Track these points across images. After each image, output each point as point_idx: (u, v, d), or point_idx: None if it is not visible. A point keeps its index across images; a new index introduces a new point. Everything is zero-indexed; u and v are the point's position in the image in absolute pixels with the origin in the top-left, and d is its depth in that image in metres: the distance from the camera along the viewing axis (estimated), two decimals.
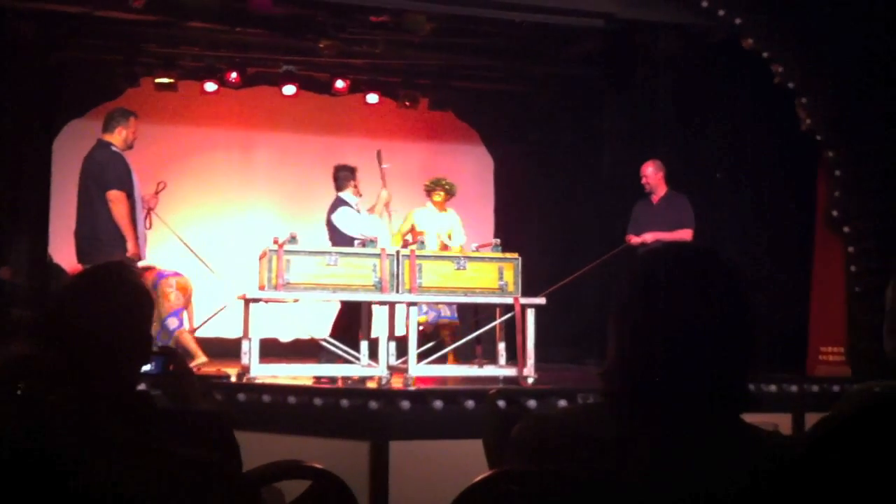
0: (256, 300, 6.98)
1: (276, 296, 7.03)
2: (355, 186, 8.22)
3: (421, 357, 7.17)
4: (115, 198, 7.01)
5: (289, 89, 10.95)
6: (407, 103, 11.39)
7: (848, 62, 8.05)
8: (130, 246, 7.01)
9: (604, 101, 10.56)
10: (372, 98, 11.42)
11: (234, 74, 10.65)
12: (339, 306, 8.00)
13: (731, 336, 1.71)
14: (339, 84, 11.09)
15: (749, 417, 1.72)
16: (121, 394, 2.14)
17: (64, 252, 8.74)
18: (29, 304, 9.13)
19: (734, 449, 1.67)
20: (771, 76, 8.22)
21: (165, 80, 10.58)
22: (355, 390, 6.35)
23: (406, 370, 7.01)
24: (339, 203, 8.14)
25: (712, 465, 1.64)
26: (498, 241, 7.79)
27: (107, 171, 7.05)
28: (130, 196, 7.12)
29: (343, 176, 8.22)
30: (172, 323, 8.12)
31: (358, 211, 8.15)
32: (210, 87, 10.81)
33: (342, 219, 8.01)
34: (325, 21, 9.22)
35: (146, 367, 2.36)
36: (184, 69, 10.71)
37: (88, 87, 10.65)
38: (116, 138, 7.21)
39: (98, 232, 7.03)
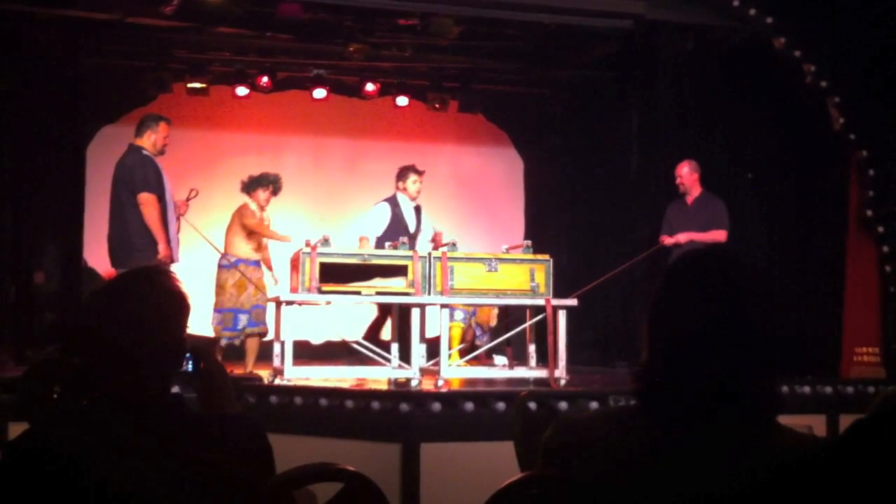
0: (290, 303, 7.01)
1: (310, 298, 7.06)
2: (402, 187, 8.61)
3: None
4: (145, 200, 7.07)
5: (319, 93, 11.00)
6: (436, 106, 11.39)
7: (880, 61, 7.97)
8: (162, 248, 7.07)
9: (629, 103, 10.52)
10: (402, 101, 11.42)
11: (265, 79, 10.70)
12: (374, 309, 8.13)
13: (762, 339, 1.71)
14: (369, 87, 11.11)
15: (783, 419, 1.72)
16: (152, 399, 2.15)
17: (98, 256, 8.81)
18: (63, 308, 9.23)
19: (768, 451, 1.66)
20: (798, 77, 8.15)
21: (198, 85, 10.66)
22: (386, 392, 6.36)
23: (437, 372, 7.02)
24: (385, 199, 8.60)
25: (745, 467, 1.64)
26: (529, 242, 7.78)
27: (136, 175, 7.12)
28: (161, 199, 7.18)
29: (399, 174, 8.68)
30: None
31: (395, 207, 8.52)
32: (241, 91, 10.88)
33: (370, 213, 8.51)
34: (352, 26, 9.25)
35: None
36: (214, 74, 10.78)
37: (120, 93, 10.74)
38: (146, 142, 7.29)
39: (129, 235, 7.09)
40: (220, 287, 8.39)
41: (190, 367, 2.37)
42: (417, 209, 8.68)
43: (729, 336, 1.70)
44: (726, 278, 1.76)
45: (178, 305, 2.26)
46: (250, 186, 8.69)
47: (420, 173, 8.59)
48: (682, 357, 1.71)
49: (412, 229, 8.52)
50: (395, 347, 7.69)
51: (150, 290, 2.23)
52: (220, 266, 8.49)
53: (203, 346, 2.45)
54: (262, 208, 8.66)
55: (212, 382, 2.42)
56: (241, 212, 8.60)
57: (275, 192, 8.76)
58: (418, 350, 7.18)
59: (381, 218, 8.49)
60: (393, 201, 8.59)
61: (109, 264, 7.36)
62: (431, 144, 12.06)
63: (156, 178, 7.19)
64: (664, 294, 1.80)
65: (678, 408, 1.70)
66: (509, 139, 12.43)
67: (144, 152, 7.25)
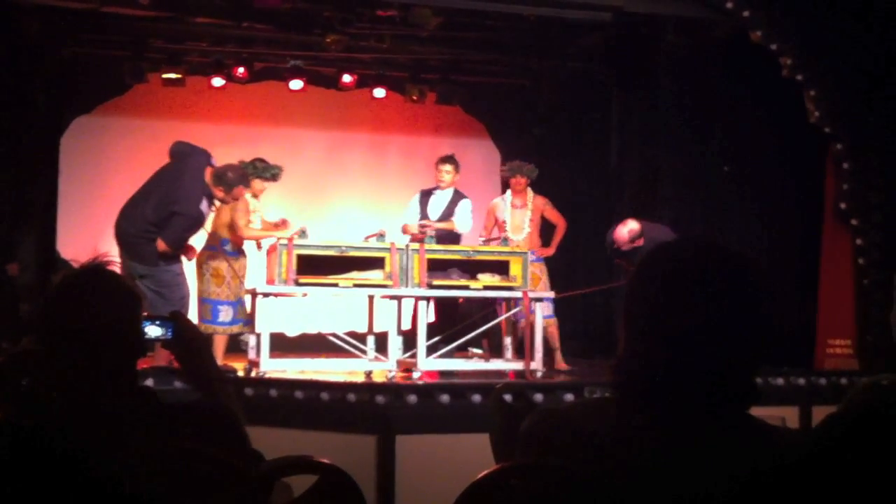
0: (267, 294, 6.98)
1: (287, 290, 7.03)
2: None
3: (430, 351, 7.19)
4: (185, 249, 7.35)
5: (296, 84, 10.92)
6: (414, 98, 11.36)
7: (856, 54, 8.02)
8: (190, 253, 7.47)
9: (611, 96, 10.53)
10: (379, 92, 11.36)
11: (241, 69, 10.62)
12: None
13: (741, 331, 1.69)
14: (347, 79, 11.05)
15: (756, 410, 1.71)
16: (122, 389, 2.15)
17: (72, 248, 8.74)
18: (37, 300, 9.15)
19: (742, 444, 1.66)
20: (777, 70, 8.19)
21: (173, 76, 10.56)
22: (362, 384, 6.36)
23: (414, 364, 7.02)
24: (459, 196, 8.40)
25: (720, 460, 1.63)
26: (506, 234, 7.79)
27: (181, 220, 7.15)
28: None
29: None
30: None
31: (426, 196, 8.43)
32: (217, 82, 10.78)
33: (462, 210, 8.29)
34: (331, 16, 9.21)
35: (159, 333, 2.41)
36: (191, 64, 10.70)
37: (95, 83, 10.65)
38: (224, 192, 7.30)
39: (150, 231, 7.15)
40: (234, 276, 7.65)
41: (170, 334, 2.42)
42: (456, 197, 8.41)
43: (729, 332, 1.68)
44: (729, 273, 1.73)
45: (134, 297, 2.33)
46: (251, 174, 7.96)
47: (446, 160, 8.46)
48: (658, 349, 1.69)
49: (434, 217, 8.23)
50: (370, 340, 7.68)
51: (107, 283, 2.30)
52: (227, 254, 7.74)
53: (182, 314, 2.50)
54: (255, 196, 8.04)
55: (190, 346, 2.44)
56: (235, 207, 7.72)
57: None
58: (395, 342, 7.18)
59: (412, 207, 8.40)
60: (427, 190, 8.49)
61: (113, 234, 7.24)
62: (408, 136, 12.04)
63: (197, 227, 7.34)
64: (639, 284, 1.78)
65: (654, 400, 1.69)
66: (486, 131, 12.41)
67: (216, 201, 7.37)
